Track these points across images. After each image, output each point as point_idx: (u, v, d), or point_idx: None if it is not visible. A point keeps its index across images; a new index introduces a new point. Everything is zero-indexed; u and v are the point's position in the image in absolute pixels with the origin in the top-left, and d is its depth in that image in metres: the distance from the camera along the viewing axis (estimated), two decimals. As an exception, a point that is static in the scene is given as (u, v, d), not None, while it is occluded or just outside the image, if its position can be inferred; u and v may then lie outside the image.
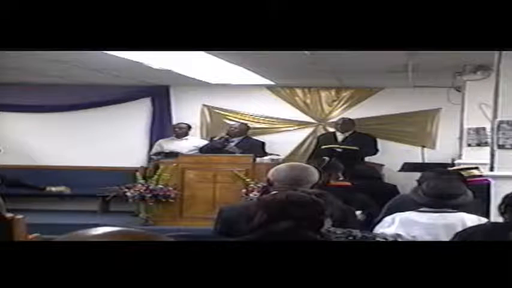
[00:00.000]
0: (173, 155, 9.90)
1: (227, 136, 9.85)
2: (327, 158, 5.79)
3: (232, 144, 9.76)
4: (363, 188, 5.79)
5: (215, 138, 10.05)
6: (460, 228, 3.76)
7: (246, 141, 9.94)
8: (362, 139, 10.12)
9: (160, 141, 10.62)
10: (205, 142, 10.38)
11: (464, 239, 3.51)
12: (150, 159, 10.41)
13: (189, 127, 10.61)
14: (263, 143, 10.14)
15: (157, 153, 10.19)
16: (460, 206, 4.06)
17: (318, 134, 11.07)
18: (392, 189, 6.77)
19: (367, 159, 10.05)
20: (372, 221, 4.49)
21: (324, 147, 9.88)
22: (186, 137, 10.47)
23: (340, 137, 10.22)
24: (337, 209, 3.61)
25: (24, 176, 10.34)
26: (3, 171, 7.86)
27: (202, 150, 9.89)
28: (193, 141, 10.42)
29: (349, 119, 10.43)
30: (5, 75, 9.66)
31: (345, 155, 9.06)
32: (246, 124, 10.39)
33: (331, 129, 10.83)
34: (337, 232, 3.19)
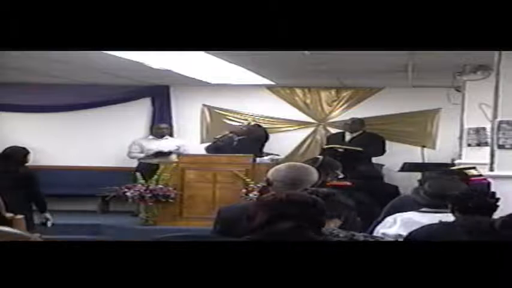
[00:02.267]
0: (165, 154, 9.95)
1: (231, 135, 9.85)
2: (320, 157, 5.75)
3: (235, 143, 9.75)
4: (363, 188, 5.75)
5: (217, 137, 10.06)
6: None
7: (246, 139, 9.89)
8: (370, 139, 10.08)
9: (138, 140, 10.59)
10: (183, 142, 10.44)
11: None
12: (138, 159, 10.34)
13: (170, 127, 10.76)
14: (261, 139, 10.02)
15: (153, 154, 10.17)
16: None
17: (318, 134, 11.07)
18: (393, 191, 6.75)
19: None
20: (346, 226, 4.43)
21: (325, 146, 9.86)
22: (165, 137, 10.52)
23: (348, 137, 10.21)
24: (347, 210, 3.58)
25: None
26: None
27: (208, 150, 9.87)
28: (174, 141, 10.48)
29: (359, 119, 10.39)
30: (5, 75, 9.66)
31: (348, 155, 9.03)
32: (258, 125, 10.33)
33: (333, 130, 10.84)
34: (340, 235, 3.17)
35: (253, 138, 9.91)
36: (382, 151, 10.14)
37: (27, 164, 7.35)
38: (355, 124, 10.27)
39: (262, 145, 10.01)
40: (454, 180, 4.40)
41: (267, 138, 10.14)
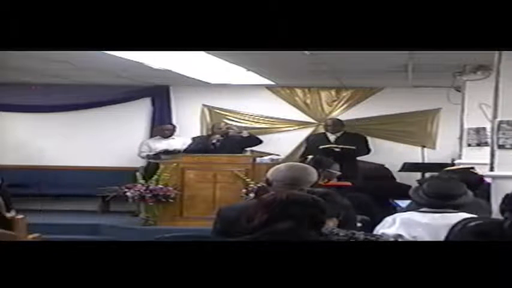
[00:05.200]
0: (174, 152, 9.95)
1: (218, 136, 9.81)
2: (310, 156, 5.73)
3: (217, 144, 9.71)
4: (374, 189, 5.68)
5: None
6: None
7: (228, 139, 9.83)
8: (353, 139, 10.08)
9: (146, 141, 10.65)
10: (188, 141, 10.43)
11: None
12: (149, 159, 10.34)
13: (174, 127, 10.75)
14: (244, 137, 9.94)
15: (160, 152, 10.14)
16: (460, 206, 4.06)
17: (309, 135, 11.02)
18: (408, 190, 6.71)
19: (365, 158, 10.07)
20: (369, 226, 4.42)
21: (322, 147, 9.79)
22: (172, 137, 10.56)
23: (331, 137, 10.17)
24: (344, 209, 3.58)
25: (24, 176, 10.37)
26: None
27: (187, 150, 9.79)
28: (181, 141, 10.47)
29: (338, 119, 10.42)
30: (5, 75, 9.66)
31: (340, 155, 9.04)
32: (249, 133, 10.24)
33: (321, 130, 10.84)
34: (340, 234, 3.17)
35: (235, 140, 9.82)
36: (367, 150, 10.14)
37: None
38: (336, 125, 10.26)
39: (243, 148, 9.92)
40: (453, 180, 4.40)
41: (260, 141, 10.08)
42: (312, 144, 10.07)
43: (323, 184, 5.12)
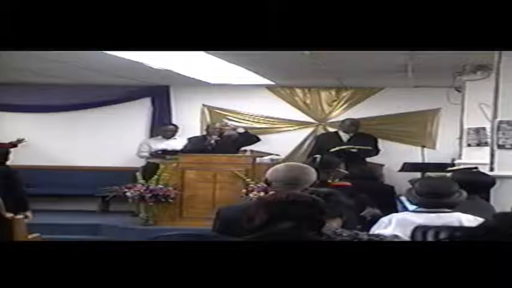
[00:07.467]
0: (173, 153, 9.94)
1: (215, 137, 9.80)
2: (318, 156, 5.72)
3: (212, 141, 9.72)
4: (361, 188, 5.72)
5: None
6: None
7: (225, 138, 9.83)
8: (365, 139, 10.13)
9: (146, 140, 10.67)
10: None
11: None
12: (147, 159, 10.33)
13: (177, 128, 10.75)
14: (237, 138, 9.92)
15: (158, 152, 10.13)
16: (454, 204, 4.07)
17: (318, 134, 11.05)
18: (390, 190, 6.75)
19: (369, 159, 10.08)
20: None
21: (337, 148, 9.72)
22: (174, 137, 10.57)
23: (344, 137, 10.22)
24: (348, 209, 3.59)
25: (24, 176, 10.36)
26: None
27: (183, 150, 9.75)
28: (182, 141, 10.45)
29: (355, 119, 10.45)
30: (4, 75, 9.66)
31: (351, 155, 9.04)
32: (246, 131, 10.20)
33: (333, 130, 10.82)
34: (344, 234, 3.17)
35: (232, 139, 9.80)
36: (376, 151, 10.22)
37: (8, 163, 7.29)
38: (354, 125, 10.31)
39: (238, 148, 9.90)
40: (445, 179, 4.41)
41: (257, 139, 10.07)
42: (323, 144, 10.06)
43: (331, 184, 5.13)
